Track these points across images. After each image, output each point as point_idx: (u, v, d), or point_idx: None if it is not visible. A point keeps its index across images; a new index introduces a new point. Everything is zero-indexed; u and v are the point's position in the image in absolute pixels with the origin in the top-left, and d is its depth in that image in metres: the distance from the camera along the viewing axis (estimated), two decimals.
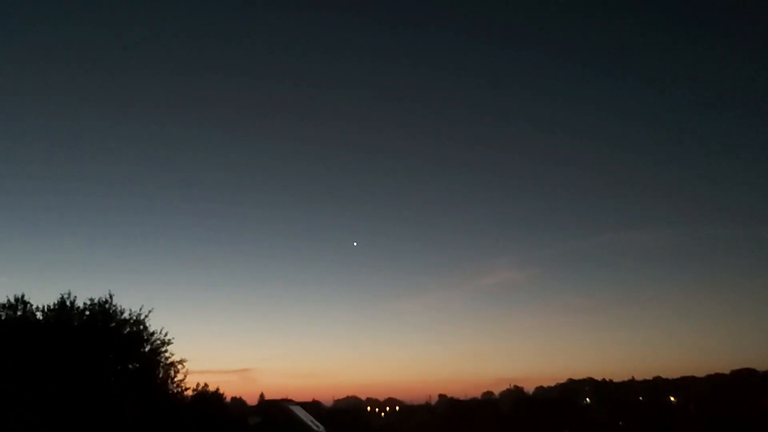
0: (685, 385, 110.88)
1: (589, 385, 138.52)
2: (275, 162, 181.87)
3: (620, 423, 74.02)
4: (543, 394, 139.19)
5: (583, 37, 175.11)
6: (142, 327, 31.73)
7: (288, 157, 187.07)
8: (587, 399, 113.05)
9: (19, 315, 29.86)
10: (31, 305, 30.28)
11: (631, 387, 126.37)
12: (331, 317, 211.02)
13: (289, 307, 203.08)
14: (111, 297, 31.39)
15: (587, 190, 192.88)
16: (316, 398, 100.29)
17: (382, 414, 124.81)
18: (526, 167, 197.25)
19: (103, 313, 30.97)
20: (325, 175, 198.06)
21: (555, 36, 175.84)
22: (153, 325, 32.27)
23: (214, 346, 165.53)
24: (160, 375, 32.50)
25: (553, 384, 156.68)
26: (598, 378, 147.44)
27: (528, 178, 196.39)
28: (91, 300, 31.07)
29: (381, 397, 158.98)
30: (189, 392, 36.13)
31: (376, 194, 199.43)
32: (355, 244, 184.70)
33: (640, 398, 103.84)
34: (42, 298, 31.75)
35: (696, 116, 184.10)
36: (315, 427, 59.13)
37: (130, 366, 31.60)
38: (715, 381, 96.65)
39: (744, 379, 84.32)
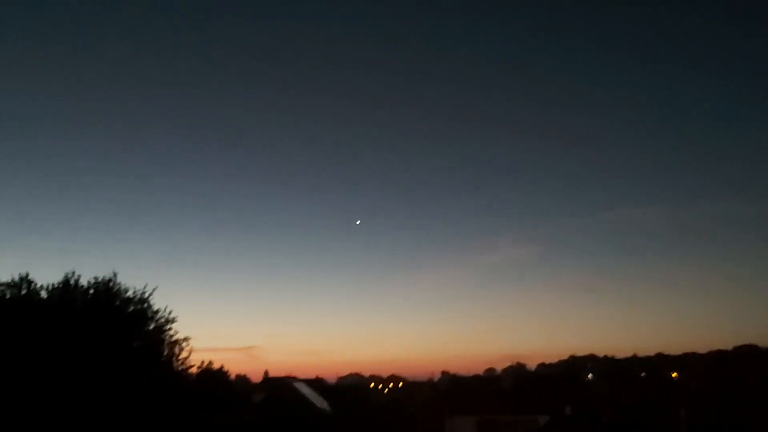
0: (687, 361, 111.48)
1: (591, 361, 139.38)
2: (280, 139, 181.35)
3: (622, 399, 74.31)
4: (545, 370, 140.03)
5: (587, 17, 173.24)
6: (146, 305, 31.78)
7: (293, 135, 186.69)
8: (589, 375, 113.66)
9: (24, 294, 29.91)
10: (36, 284, 30.32)
11: (633, 363, 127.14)
12: (334, 295, 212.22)
13: (293, 285, 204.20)
14: (115, 275, 31.48)
15: (589, 168, 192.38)
16: (320, 375, 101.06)
17: (385, 391, 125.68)
18: (529, 145, 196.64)
19: (107, 291, 31.04)
20: (328, 154, 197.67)
21: (560, 15, 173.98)
22: (157, 303, 32.34)
23: (218, 324, 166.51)
24: (165, 353, 32.71)
25: (555, 361, 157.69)
26: (600, 354, 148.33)
27: (531, 155, 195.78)
28: (95, 279, 31.14)
29: (384, 374, 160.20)
30: (193, 370, 36.55)
31: (379, 172, 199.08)
32: (358, 222, 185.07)
33: (642, 374, 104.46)
34: (46, 276, 31.88)
35: (697, 92, 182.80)
36: (319, 404, 59.51)
37: (134, 344, 31.68)
38: (717, 357, 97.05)
39: (746, 355, 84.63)
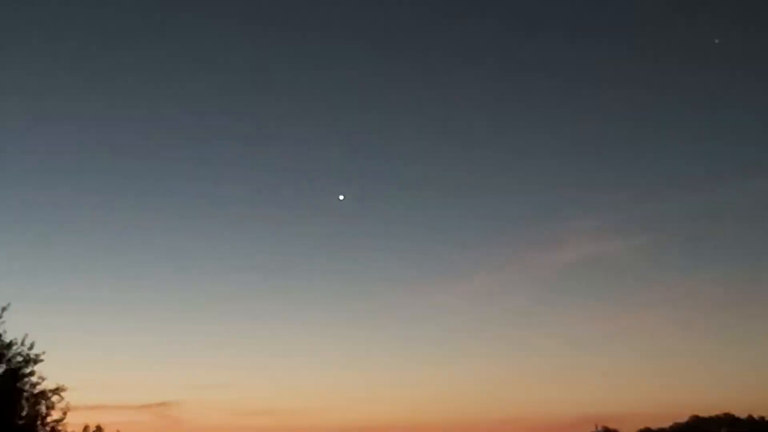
0: None
1: (725, 424, 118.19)
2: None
3: None
4: None
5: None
6: None
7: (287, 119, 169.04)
8: None
9: None
10: None
11: None
12: (304, 320, 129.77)
13: (234, 309, 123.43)
14: None
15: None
16: None
17: None
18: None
19: None
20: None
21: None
22: (10, 332, 24.09)
23: (114, 368, 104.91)
24: (23, 413, 24.30)
25: (668, 425, 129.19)
26: (741, 414, 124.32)
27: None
28: None
29: None
30: None
31: (377, 155, 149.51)
32: (341, 197, 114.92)
33: None
34: None
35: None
36: None
37: None
38: None
39: None
